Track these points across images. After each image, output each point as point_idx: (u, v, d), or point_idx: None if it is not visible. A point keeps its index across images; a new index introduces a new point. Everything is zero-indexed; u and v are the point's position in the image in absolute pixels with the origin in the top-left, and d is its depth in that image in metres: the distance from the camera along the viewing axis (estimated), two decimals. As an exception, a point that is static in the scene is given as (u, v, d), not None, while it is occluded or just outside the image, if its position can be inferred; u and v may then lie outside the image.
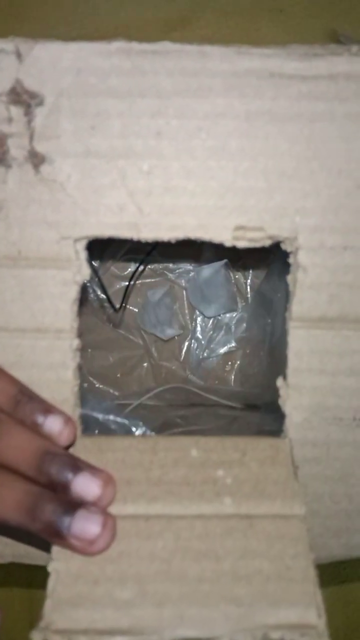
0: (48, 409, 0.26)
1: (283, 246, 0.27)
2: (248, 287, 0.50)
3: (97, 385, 0.50)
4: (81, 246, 0.27)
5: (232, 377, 0.51)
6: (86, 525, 0.22)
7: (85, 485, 0.24)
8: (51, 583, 0.22)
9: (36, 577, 0.44)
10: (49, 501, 0.23)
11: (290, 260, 0.27)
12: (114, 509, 0.24)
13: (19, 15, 0.45)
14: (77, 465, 0.24)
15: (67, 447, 0.26)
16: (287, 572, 0.22)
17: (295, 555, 0.23)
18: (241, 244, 0.27)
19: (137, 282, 0.51)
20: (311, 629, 0.20)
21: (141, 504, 0.24)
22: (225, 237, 0.27)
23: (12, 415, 0.25)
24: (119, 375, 0.51)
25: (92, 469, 0.24)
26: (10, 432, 0.24)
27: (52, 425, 0.25)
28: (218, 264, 0.48)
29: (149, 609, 0.21)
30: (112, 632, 0.20)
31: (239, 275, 0.51)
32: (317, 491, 0.28)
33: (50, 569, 0.23)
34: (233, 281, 0.50)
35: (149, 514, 0.24)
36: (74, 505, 0.23)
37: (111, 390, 0.50)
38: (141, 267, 0.49)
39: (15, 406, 0.25)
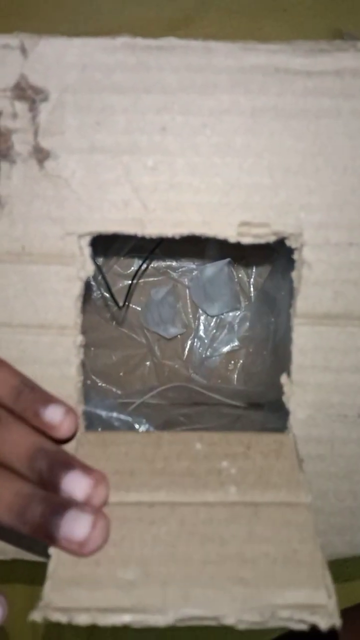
0: (49, 399, 0.25)
1: (288, 242, 0.27)
2: (251, 286, 0.50)
3: (99, 384, 0.50)
4: (85, 242, 0.27)
5: (235, 375, 0.51)
6: (75, 527, 0.22)
7: (75, 483, 0.23)
8: (52, 565, 0.22)
9: (38, 574, 0.44)
10: (38, 502, 0.22)
11: (295, 256, 0.27)
12: (116, 497, 0.24)
13: (22, 14, 0.45)
14: (69, 463, 0.23)
15: (69, 439, 0.26)
16: (294, 555, 0.22)
17: (302, 540, 0.22)
18: (246, 240, 0.27)
19: (140, 280, 0.51)
20: (321, 608, 0.20)
21: (144, 492, 0.24)
22: (230, 233, 0.27)
23: (13, 406, 0.25)
24: (121, 373, 0.51)
25: (84, 468, 0.24)
26: (7, 427, 0.24)
27: (53, 415, 0.25)
28: (221, 263, 0.48)
29: (152, 588, 0.21)
30: (115, 611, 0.20)
31: (242, 274, 0.50)
32: (321, 488, 0.28)
33: (51, 551, 0.22)
34: (236, 280, 0.50)
35: (153, 502, 0.24)
36: (64, 506, 0.22)
37: (114, 389, 0.50)
38: (144, 266, 0.49)
39: (17, 397, 0.25)
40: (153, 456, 0.26)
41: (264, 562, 0.21)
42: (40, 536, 0.22)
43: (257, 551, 0.22)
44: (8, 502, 0.23)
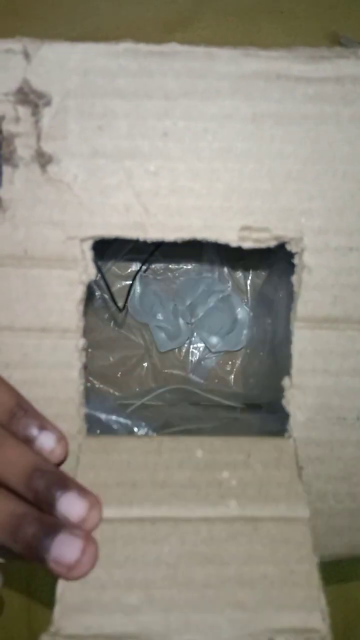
0: (42, 425, 0.26)
1: (288, 247, 0.27)
2: (249, 287, 0.51)
3: (97, 385, 0.50)
4: (87, 246, 0.27)
5: (233, 376, 0.51)
6: (66, 550, 0.22)
7: (70, 505, 0.23)
8: (60, 588, 0.22)
9: (35, 576, 0.44)
10: (31, 523, 0.23)
11: (295, 261, 0.28)
12: (120, 512, 0.24)
13: (21, 14, 0.45)
14: (65, 484, 0.24)
15: (60, 464, 0.26)
16: (291, 576, 0.22)
17: (300, 560, 0.23)
18: (247, 245, 0.27)
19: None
20: (315, 632, 0.21)
21: (147, 507, 0.25)
22: (231, 237, 0.27)
23: (6, 427, 0.25)
24: (119, 374, 0.51)
25: (80, 490, 0.24)
26: (3, 445, 0.24)
27: (45, 441, 0.25)
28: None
29: (156, 614, 0.21)
30: (121, 638, 0.21)
31: (240, 275, 0.51)
32: (320, 490, 0.28)
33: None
34: (238, 310, 0.51)
35: (155, 517, 0.24)
36: (55, 528, 0.23)
37: (111, 390, 0.50)
38: (143, 267, 0.49)
39: (10, 419, 0.25)
40: (155, 465, 0.26)
41: (262, 584, 0.22)
42: (31, 556, 0.22)
43: (255, 572, 0.23)
44: (1, 520, 0.23)
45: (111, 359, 0.51)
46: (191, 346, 0.52)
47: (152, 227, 0.27)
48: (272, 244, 0.27)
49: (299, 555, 0.23)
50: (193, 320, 0.51)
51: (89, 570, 0.22)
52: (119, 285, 0.50)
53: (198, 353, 0.52)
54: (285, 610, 0.21)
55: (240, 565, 0.23)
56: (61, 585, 0.22)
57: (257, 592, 0.22)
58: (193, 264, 0.50)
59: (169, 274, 0.51)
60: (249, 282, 0.51)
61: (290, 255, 0.28)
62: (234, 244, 0.27)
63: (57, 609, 0.22)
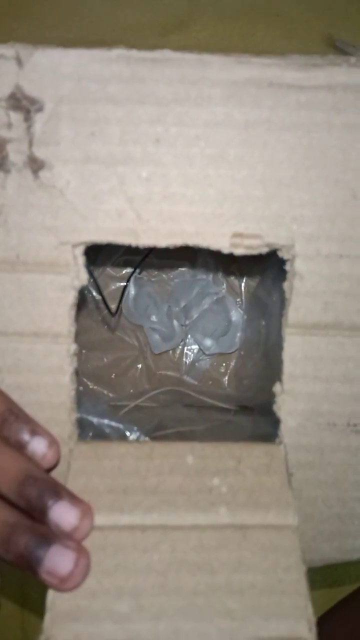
0: (34, 429, 0.26)
1: (280, 254, 0.27)
2: (243, 290, 0.51)
3: (90, 387, 0.50)
4: (79, 252, 0.27)
5: (226, 378, 0.52)
6: (59, 562, 0.22)
7: (63, 514, 0.23)
8: (50, 596, 0.22)
9: (29, 582, 0.44)
10: (23, 533, 0.23)
11: (287, 267, 0.28)
12: (110, 520, 0.24)
13: (17, 17, 0.45)
14: (58, 492, 0.24)
15: (52, 468, 0.26)
16: (279, 585, 0.23)
17: (288, 568, 0.23)
18: (239, 251, 0.27)
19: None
20: None
21: (137, 514, 0.25)
22: (223, 244, 0.27)
23: None
24: (113, 376, 0.51)
25: (72, 498, 0.24)
26: None
27: (37, 446, 0.25)
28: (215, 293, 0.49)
29: (145, 622, 0.22)
30: None
31: (233, 278, 0.51)
32: (310, 495, 0.28)
33: None
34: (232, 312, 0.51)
35: (145, 525, 0.24)
36: (48, 539, 0.22)
37: (105, 392, 0.50)
38: (136, 270, 0.49)
39: (1, 424, 0.25)
40: (146, 471, 0.26)
41: (251, 593, 0.22)
42: (23, 567, 0.22)
43: (244, 581, 0.23)
44: None
45: (105, 360, 0.51)
46: (185, 348, 0.52)
47: (144, 233, 0.27)
48: (264, 250, 0.27)
49: (287, 563, 0.23)
50: (187, 322, 0.51)
51: (82, 582, 0.23)
52: (113, 287, 0.50)
53: (192, 355, 0.52)
54: (272, 619, 0.22)
55: (229, 574, 0.23)
56: (51, 594, 0.22)
57: (246, 601, 0.22)
58: (187, 267, 0.50)
59: (164, 275, 0.51)
60: (243, 284, 0.51)
61: (282, 261, 0.28)
62: (225, 250, 0.27)
63: (48, 617, 0.22)
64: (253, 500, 0.25)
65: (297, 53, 0.26)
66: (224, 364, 0.52)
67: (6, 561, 0.23)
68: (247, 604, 0.22)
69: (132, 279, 0.49)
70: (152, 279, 0.51)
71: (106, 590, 0.22)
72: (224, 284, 0.51)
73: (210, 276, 0.51)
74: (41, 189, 0.26)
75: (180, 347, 0.52)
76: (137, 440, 0.38)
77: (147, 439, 0.38)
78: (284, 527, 0.25)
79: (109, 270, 0.50)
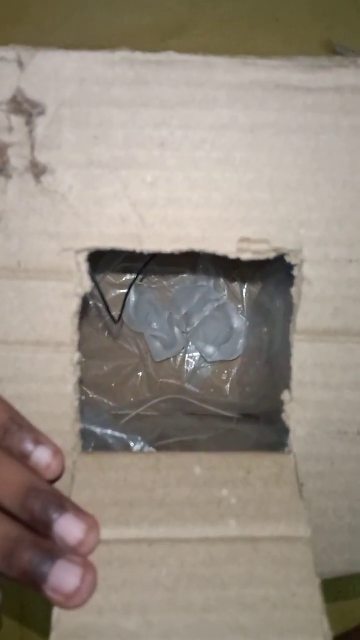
0: (38, 439, 0.25)
1: (287, 259, 0.27)
2: (244, 296, 0.50)
3: (91, 395, 0.49)
4: (82, 258, 0.27)
5: (228, 386, 0.51)
6: (64, 579, 0.21)
7: (68, 528, 0.22)
8: (56, 613, 0.21)
9: (28, 596, 0.43)
10: (27, 548, 0.22)
11: (295, 272, 0.27)
12: (117, 533, 0.24)
13: (16, 20, 0.45)
14: (63, 505, 0.23)
15: (56, 479, 0.25)
16: (293, 599, 0.22)
17: (301, 582, 0.22)
18: (245, 257, 0.27)
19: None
20: None
21: (144, 527, 0.24)
22: (229, 249, 0.27)
23: (1, 443, 0.24)
24: (113, 384, 0.50)
25: (78, 511, 0.23)
26: None
27: (41, 456, 0.25)
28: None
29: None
30: None
31: (236, 284, 0.50)
32: (321, 506, 0.28)
33: None
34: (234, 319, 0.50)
35: (152, 538, 0.24)
36: (53, 554, 0.22)
37: (105, 400, 0.50)
38: (138, 277, 0.49)
39: (4, 434, 0.25)
40: (152, 483, 0.25)
41: (264, 608, 0.22)
42: (27, 583, 0.22)
43: (256, 595, 0.22)
44: None
45: (105, 368, 0.51)
46: (187, 355, 0.51)
47: (148, 238, 0.26)
48: (271, 255, 0.27)
49: (300, 576, 0.22)
50: (189, 330, 0.50)
51: (88, 599, 0.22)
52: (113, 294, 0.49)
53: (194, 362, 0.51)
54: (287, 635, 0.21)
55: (241, 588, 0.22)
56: (57, 611, 0.21)
57: (259, 616, 0.21)
58: (188, 273, 0.50)
59: (164, 282, 0.51)
60: (244, 290, 0.50)
61: (289, 266, 0.27)
62: (232, 256, 0.27)
63: (54, 636, 0.21)
64: (263, 512, 0.25)
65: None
66: (225, 372, 0.51)
67: (9, 577, 0.22)
68: (260, 620, 0.21)
69: (132, 286, 0.48)
70: (153, 286, 0.50)
71: (113, 607, 0.22)
72: (226, 291, 0.50)
73: (212, 282, 0.50)
74: (43, 194, 0.26)
75: (181, 354, 0.51)
76: (142, 450, 0.37)
77: (151, 449, 0.37)
78: (296, 539, 0.24)
79: (109, 278, 0.50)
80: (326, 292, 0.27)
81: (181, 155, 0.26)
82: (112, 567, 0.23)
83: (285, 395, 0.28)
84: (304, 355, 0.27)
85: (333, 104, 0.25)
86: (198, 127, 0.25)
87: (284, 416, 0.28)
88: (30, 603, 0.44)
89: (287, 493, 0.25)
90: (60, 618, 0.21)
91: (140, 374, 0.51)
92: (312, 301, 0.27)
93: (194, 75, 0.25)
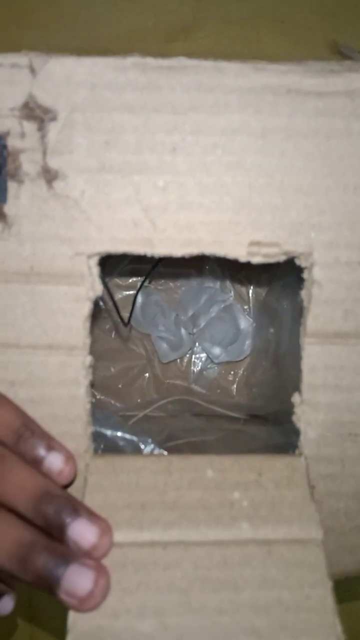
0: (50, 444, 0.25)
1: (298, 262, 0.27)
2: (251, 297, 0.50)
3: (98, 397, 0.49)
4: (94, 262, 0.27)
5: (235, 386, 0.51)
6: (78, 582, 0.21)
7: (81, 532, 0.23)
8: (71, 616, 0.22)
9: (37, 598, 0.43)
10: (40, 552, 0.22)
11: (305, 275, 0.27)
12: (130, 536, 0.24)
13: (21, 24, 0.45)
14: (76, 510, 0.23)
15: (69, 484, 0.25)
16: (306, 601, 0.22)
17: (314, 584, 0.23)
18: (256, 260, 0.27)
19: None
20: None
21: (157, 530, 0.24)
22: (240, 252, 0.27)
23: (14, 448, 0.25)
24: (120, 385, 0.51)
25: (91, 516, 0.23)
26: (11, 469, 0.23)
27: (53, 462, 0.25)
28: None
29: None
30: None
31: (240, 286, 0.50)
32: (332, 508, 0.28)
33: None
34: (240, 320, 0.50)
35: (165, 541, 0.24)
36: (66, 558, 0.22)
37: (112, 402, 0.50)
38: (146, 279, 0.49)
39: (17, 439, 0.25)
40: (164, 486, 0.26)
41: (277, 610, 0.22)
42: (41, 587, 0.22)
43: (269, 598, 0.22)
44: (9, 549, 0.22)
45: (112, 369, 0.51)
46: (193, 356, 0.51)
47: (160, 242, 0.27)
48: (282, 259, 0.27)
49: (313, 579, 0.23)
50: (195, 331, 0.50)
51: (102, 602, 0.22)
52: (119, 296, 0.50)
53: (200, 363, 0.51)
54: (300, 637, 0.21)
55: (254, 590, 0.22)
56: (72, 614, 0.22)
57: (272, 618, 0.21)
58: (195, 274, 0.50)
59: (171, 284, 0.51)
60: (251, 291, 0.50)
61: (298, 269, 0.27)
62: (242, 259, 0.27)
63: (70, 639, 0.21)
64: (275, 514, 0.25)
65: (302, 59, 0.26)
66: (232, 372, 0.51)
67: (24, 581, 0.22)
68: (274, 622, 0.22)
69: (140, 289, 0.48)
70: (159, 288, 0.51)
71: (128, 610, 0.22)
72: (232, 292, 0.50)
73: (218, 284, 0.50)
74: (55, 199, 0.26)
75: (188, 355, 0.51)
76: (152, 452, 0.37)
77: (162, 451, 0.38)
78: (308, 542, 0.24)
79: (116, 279, 0.50)
80: (337, 295, 0.27)
81: (192, 160, 0.26)
82: (127, 570, 0.23)
83: (296, 398, 0.28)
84: (315, 358, 0.27)
85: (344, 108, 0.25)
86: (209, 132, 0.26)
87: (294, 418, 0.28)
88: (39, 602, 0.44)
89: (298, 495, 0.26)
90: (75, 621, 0.22)
91: (147, 375, 0.51)
92: (323, 304, 0.27)
93: (205, 80, 0.25)
